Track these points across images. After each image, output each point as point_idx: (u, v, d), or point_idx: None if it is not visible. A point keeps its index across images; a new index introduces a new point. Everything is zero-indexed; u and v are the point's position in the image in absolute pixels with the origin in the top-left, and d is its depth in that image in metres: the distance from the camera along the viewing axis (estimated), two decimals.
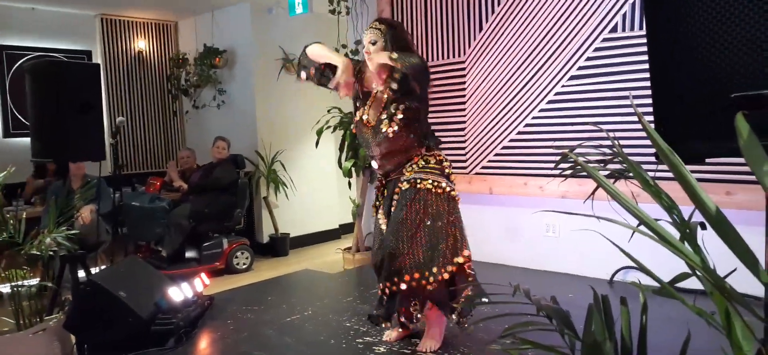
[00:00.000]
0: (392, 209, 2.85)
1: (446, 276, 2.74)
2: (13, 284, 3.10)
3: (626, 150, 3.56)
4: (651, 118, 1.24)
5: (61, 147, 3.39)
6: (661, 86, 1.11)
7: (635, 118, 3.51)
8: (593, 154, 1.20)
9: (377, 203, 3.03)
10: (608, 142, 1.08)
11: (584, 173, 1.46)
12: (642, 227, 0.85)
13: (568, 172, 1.15)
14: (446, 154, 4.97)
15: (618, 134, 3.71)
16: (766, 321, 0.76)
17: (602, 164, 1.24)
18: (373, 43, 2.81)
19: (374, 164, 2.99)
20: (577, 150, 1.41)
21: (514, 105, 4.42)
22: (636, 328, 1.12)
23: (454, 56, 4.75)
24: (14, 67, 6.23)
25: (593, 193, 0.96)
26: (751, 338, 0.89)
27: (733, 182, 3.39)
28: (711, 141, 1.02)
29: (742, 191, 3.32)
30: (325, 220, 7.18)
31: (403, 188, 2.82)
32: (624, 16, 3.82)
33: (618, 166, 1.12)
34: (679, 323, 1.36)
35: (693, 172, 3.19)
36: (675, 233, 0.94)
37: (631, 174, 0.94)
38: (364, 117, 2.91)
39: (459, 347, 2.93)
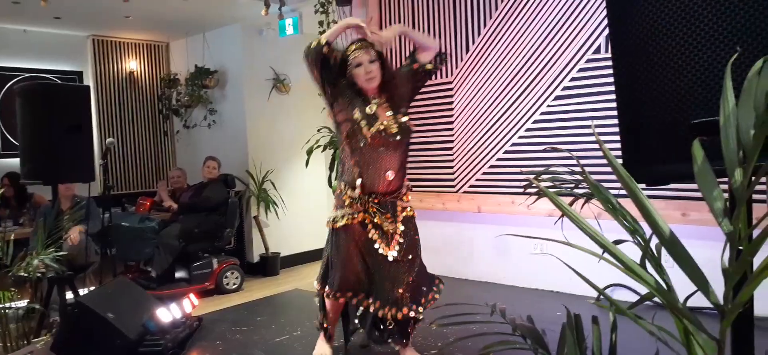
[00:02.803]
0: (397, 236, 2.81)
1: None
2: (0, 306, 3.10)
3: (608, 171, 3.62)
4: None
5: (50, 168, 3.41)
6: (625, 111, 1.16)
7: (617, 137, 3.57)
8: (563, 177, 1.24)
9: (372, 218, 2.80)
10: (576, 166, 1.12)
11: (566, 193, 1.51)
12: (601, 246, 0.89)
13: (536, 195, 1.19)
14: (435, 173, 5.04)
15: (598, 154, 3.79)
16: (718, 341, 0.79)
17: (573, 186, 1.28)
18: (373, 62, 2.77)
19: (390, 175, 2.77)
20: (551, 169, 1.46)
21: (501, 124, 4.49)
22: (608, 346, 1.15)
23: (441, 76, 4.81)
24: (5, 88, 6.24)
25: (561, 217, 0.99)
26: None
27: None
28: (672, 165, 1.07)
29: None
30: (315, 239, 7.17)
31: (408, 215, 2.87)
32: (607, 37, 3.90)
33: (586, 189, 1.16)
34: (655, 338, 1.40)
35: (681, 190, 3.21)
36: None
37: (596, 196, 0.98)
38: (381, 126, 2.73)
39: None
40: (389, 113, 2.78)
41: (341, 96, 2.80)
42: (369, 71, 2.75)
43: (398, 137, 2.76)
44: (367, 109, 2.76)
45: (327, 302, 3.05)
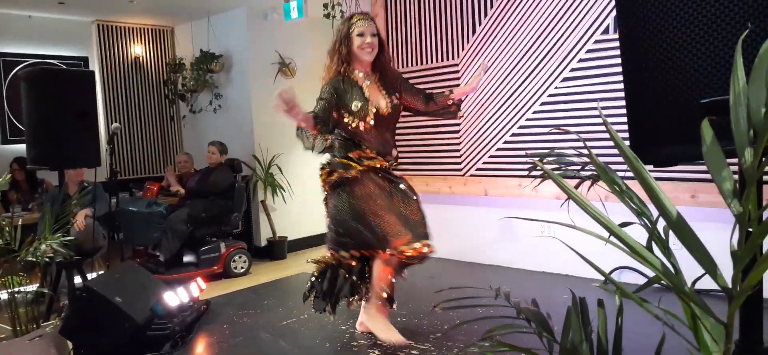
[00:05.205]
0: (400, 191, 3.08)
1: None
2: (9, 290, 3.12)
3: (616, 153, 3.59)
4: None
5: (56, 153, 3.41)
6: (632, 91, 1.13)
7: (625, 120, 3.54)
8: (569, 159, 1.22)
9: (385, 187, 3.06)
10: (584, 148, 1.10)
11: (571, 175, 1.48)
12: (607, 229, 0.87)
13: (541, 177, 1.17)
14: (442, 156, 5.02)
15: (607, 136, 3.75)
16: (725, 325, 0.78)
17: (579, 168, 1.26)
18: (374, 36, 2.96)
19: (394, 153, 3.12)
20: (557, 151, 1.44)
21: (508, 107, 4.45)
22: (613, 330, 1.14)
23: (448, 59, 4.77)
24: (11, 74, 6.25)
25: (567, 199, 0.98)
26: (720, 338, 0.91)
27: None
28: (681, 146, 1.05)
29: None
30: (322, 223, 7.15)
31: (398, 174, 3.15)
32: (615, 18, 3.84)
33: (593, 171, 1.14)
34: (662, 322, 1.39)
35: (689, 171, 3.20)
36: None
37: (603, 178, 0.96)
38: (380, 106, 2.99)
39: (441, 348, 2.95)
40: (383, 93, 3.02)
41: (339, 98, 2.97)
42: (370, 43, 2.92)
43: (390, 120, 3.06)
44: (365, 94, 2.97)
45: (381, 268, 2.98)
